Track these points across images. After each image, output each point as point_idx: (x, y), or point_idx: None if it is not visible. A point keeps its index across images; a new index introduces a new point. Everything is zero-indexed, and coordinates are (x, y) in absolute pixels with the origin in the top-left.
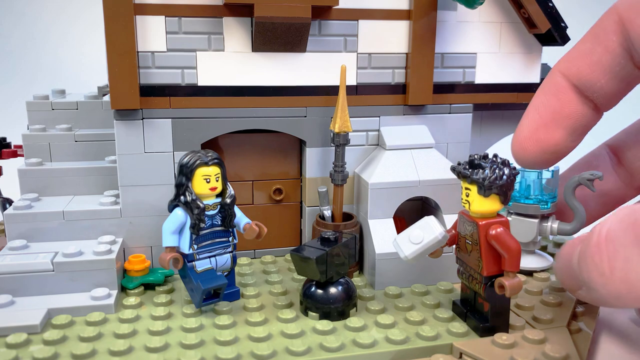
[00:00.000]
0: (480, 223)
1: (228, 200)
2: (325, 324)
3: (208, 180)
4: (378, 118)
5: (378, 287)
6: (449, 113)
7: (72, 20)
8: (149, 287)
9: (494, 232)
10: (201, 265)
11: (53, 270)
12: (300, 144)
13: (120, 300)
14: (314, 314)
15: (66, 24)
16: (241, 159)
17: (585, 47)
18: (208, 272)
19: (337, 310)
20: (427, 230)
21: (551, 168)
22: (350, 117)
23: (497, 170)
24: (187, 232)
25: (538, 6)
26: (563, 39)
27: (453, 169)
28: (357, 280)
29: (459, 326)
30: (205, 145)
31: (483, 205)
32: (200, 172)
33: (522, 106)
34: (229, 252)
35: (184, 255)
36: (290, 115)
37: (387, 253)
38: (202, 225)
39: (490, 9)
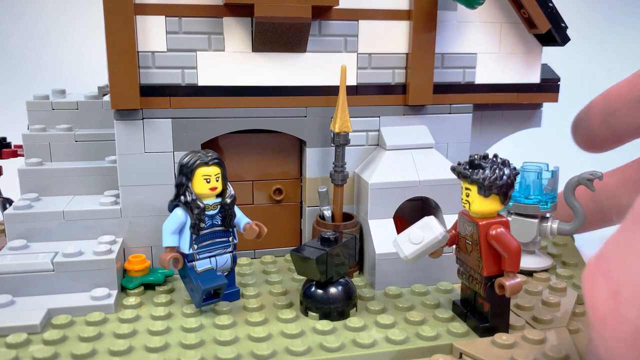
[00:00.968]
0: (480, 223)
1: (228, 200)
2: (325, 324)
3: (208, 180)
4: (378, 118)
5: (378, 287)
6: (449, 113)
7: (72, 20)
8: (149, 287)
9: (494, 232)
10: (201, 265)
11: (53, 270)
12: (300, 144)
13: (120, 300)
14: (314, 314)
15: (66, 24)
16: (241, 159)
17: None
18: (208, 272)
19: (337, 310)
20: (427, 230)
21: (551, 168)
22: (350, 117)
23: (497, 171)
24: (187, 232)
25: (538, 6)
26: (563, 39)
27: (453, 169)
28: (357, 280)
29: (459, 326)
30: (205, 145)
31: (483, 205)
32: (200, 172)
33: (522, 106)
34: (229, 252)
35: (184, 255)
36: (290, 115)
37: (387, 253)
38: (202, 225)
39: (490, 9)
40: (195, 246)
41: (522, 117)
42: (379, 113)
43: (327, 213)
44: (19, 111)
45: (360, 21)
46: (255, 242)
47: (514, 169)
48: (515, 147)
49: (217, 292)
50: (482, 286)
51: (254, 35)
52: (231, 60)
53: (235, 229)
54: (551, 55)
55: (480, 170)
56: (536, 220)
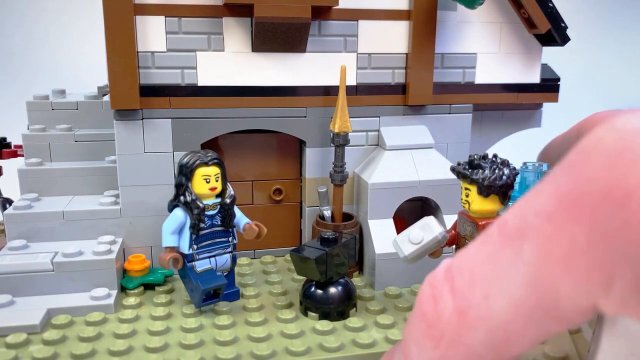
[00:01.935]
0: (480, 223)
1: (228, 201)
2: (325, 324)
3: (208, 180)
4: (378, 118)
5: (378, 287)
6: (449, 113)
7: (72, 21)
8: (148, 287)
9: None
10: (201, 265)
11: (53, 270)
12: (300, 144)
13: (120, 301)
14: (313, 314)
15: (66, 24)
16: (241, 159)
17: None
18: (208, 272)
19: (337, 310)
20: (427, 230)
21: (551, 168)
22: (350, 117)
23: (496, 171)
24: (186, 232)
25: (538, 6)
26: (563, 39)
27: (452, 169)
28: (357, 280)
29: None
30: (205, 145)
31: (483, 205)
32: (200, 172)
33: (522, 106)
34: (229, 252)
35: (184, 256)
36: (290, 116)
37: (387, 253)
38: (202, 225)
39: (490, 9)
40: (195, 246)
41: (522, 117)
42: (379, 113)
43: (327, 213)
44: (19, 111)
45: (360, 21)
46: (255, 242)
47: (514, 169)
48: (515, 147)
49: (216, 292)
50: None
51: (254, 35)
52: (231, 61)
53: (234, 229)
54: (551, 55)
55: (480, 171)
56: None
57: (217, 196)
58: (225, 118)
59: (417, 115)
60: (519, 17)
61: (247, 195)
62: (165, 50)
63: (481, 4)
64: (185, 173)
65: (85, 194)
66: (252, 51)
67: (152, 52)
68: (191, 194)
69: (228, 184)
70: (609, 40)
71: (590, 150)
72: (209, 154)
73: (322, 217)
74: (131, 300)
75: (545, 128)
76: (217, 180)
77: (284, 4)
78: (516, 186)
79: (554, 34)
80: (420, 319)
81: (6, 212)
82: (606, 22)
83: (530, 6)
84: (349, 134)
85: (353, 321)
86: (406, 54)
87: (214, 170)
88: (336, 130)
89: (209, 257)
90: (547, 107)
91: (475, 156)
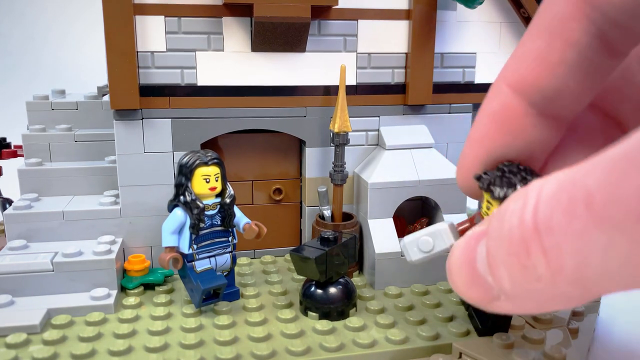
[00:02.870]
0: None
1: (228, 200)
2: (324, 324)
3: (207, 180)
4: (378, 118)
5: (378, 287)
6: (449, 113)
7: (72, 20)
8: (148, 287)
9: None
10: (201, 265)
11: (53, 270)
12: (300, 144)
13: (120, 300)
14: (313, 314)
15: (66, 24)
16: (241, 159)
17: (535, 47)
18: (208, 272)
19: (337, 310)
20: (438, 240)
21: None
22: (350, 117)
23: None
24: (186, 232)
25: (538, 6)
26: None
27: (478, 178)
28: (356, 280)
29: (459, 326)
30: (205, 145)
31: None
32: (200, 172)
33: None
34: (229, 252)
35: (184, 255)
36: (290, 115)
37: (387, 253)
38: (202, 225)
39: (490, 9)
40: (195, 246)
41: None
42: (379, 113)
43: (327, 213)
44: (19, 111)
45: (359, 21)
46: (255, 242)
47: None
48: None
49: (216, 292)
50: None
51: (253, 35)
52: (230, 60)
53: (234, 229)
54: None
55: (511, 189)
56: None
57: (217, 196)
58: (225, 118)
59: (417, 115)
60: (519, 16)
61: (247, 195)
62: (165, 50)
63: (481, 3)
64: (185, 173)
65: (85, 194)
66: (252, 51)
67: (152, 52)
68: (191, 193)
69: (228, 183)
70: None
71: None
72: (209, 154)
73: (322, 217)
74: (131, 300)
75: None
76: (217, 180)
77: (283, 3)
78: None
79: None
80: (513, 258)
81: (6, 212)
82: None
83: (530, 6)
84: (349, 133)
85: (353, 321)
86: (406, 53)
87: (213, 170)
88: (336, 130)
89: (209, 257)
90: None
91: (506, 169)
